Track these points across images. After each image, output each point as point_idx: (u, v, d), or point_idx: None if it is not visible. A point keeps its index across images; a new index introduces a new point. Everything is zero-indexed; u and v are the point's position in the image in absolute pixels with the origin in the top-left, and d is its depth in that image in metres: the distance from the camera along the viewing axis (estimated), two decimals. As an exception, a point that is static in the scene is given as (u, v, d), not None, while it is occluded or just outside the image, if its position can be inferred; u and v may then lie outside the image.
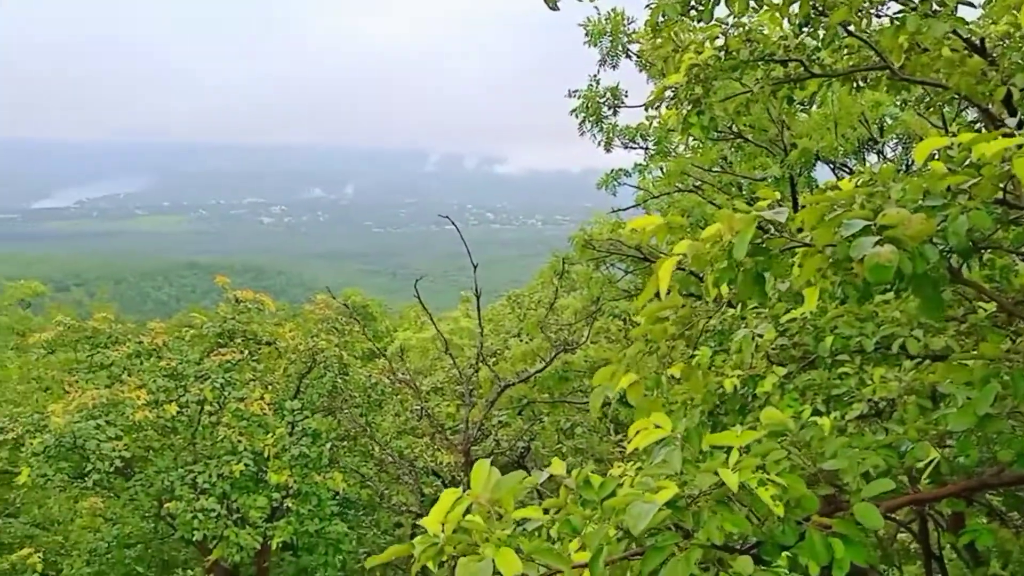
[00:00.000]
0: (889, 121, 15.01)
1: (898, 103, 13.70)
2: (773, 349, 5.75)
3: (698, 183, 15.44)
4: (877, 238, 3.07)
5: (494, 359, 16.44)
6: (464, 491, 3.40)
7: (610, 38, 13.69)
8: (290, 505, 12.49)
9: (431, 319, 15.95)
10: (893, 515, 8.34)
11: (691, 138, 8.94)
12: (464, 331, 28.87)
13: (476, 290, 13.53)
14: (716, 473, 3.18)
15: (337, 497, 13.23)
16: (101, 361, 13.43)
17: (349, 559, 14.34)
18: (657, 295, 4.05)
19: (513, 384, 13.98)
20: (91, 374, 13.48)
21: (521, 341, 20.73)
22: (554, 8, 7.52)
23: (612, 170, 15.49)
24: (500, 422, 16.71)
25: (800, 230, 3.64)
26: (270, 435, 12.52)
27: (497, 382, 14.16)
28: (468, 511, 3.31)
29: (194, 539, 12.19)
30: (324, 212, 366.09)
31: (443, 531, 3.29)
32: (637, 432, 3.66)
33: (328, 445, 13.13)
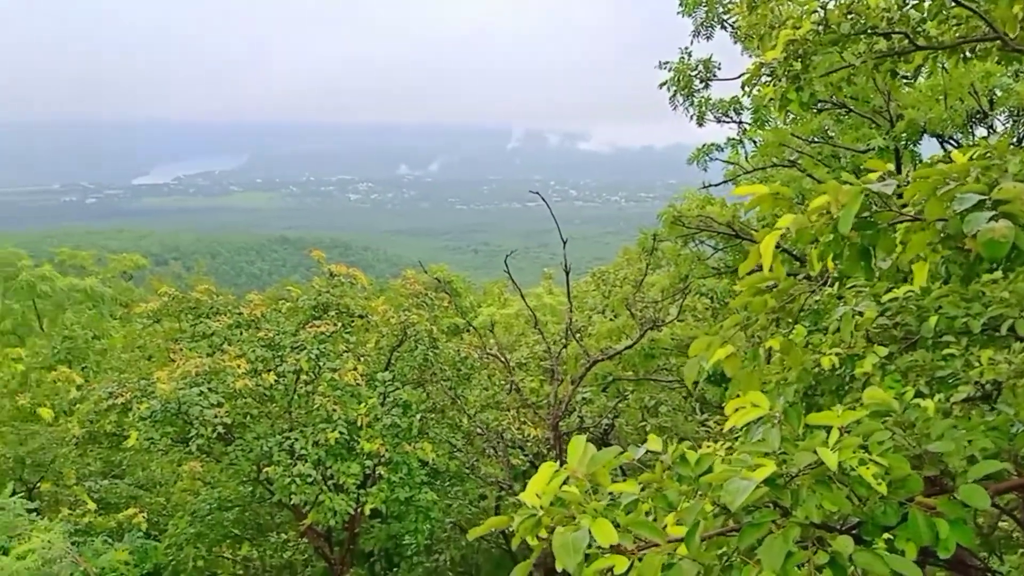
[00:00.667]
0: (999, 93, 14.24)
1: (1010, 74, 12.98)
2: (874, 328, 5.60)
3: (794, 156, 14.98)
4: (992, 213, 2.97)
5: (578, 335, 16.45)
6: (560, 465, 3.46)
7: (705, 8, 13.38)
8: (382, 473, 12.81)
9: (521, 295, 16.04)
10: (995, 501, 8.03)
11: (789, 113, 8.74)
12: (546, 307, 28.99)
13: (565, 266, 13.52)
14: (815, 452, 3.14)
15: (426, 467, 13.51)
16: (203, 331, 14.00)
17: (436, 527, 14.67)
18: (757, 268, 4.02)
19: (601, 360, 13.95)
20: (194, 343, 14.07)
21: (606, 318, 20.66)
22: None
23: (704, 145, 15.15)
24: (584, 399, 16.75)
25: (905, 205, 3.54)
26: (363, 405, 12.85)
27: (585, 358, 14.16)
28: (564, 484, 3.37)
29: (291, 503, 12.63)
30: (409, 189, 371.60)
31: (540, 503, 3.36)
32: (735, 410, 3.65)
33: (418, 416, 13.40)
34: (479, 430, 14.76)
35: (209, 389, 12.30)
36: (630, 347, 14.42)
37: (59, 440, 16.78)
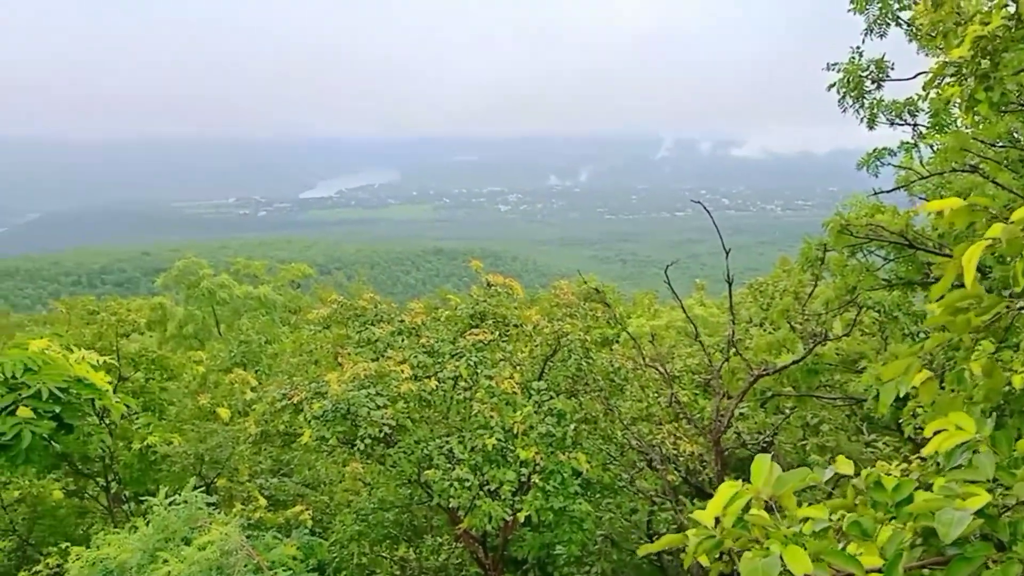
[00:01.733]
0: None
1: None
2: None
3: (975, 161, 13.89)
4: None
5: (734, 348, 15.94)
6: (743, 485, 3.33)
7: (879, 4, 12.64)
8: (536, 481, 12.87)
9: (681, 306, 15.79)
10: None
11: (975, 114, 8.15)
12: (698, 319, 28.34)
13: (727, 276, 13.13)
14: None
15: (579, 477, 13.47)
16: (368, 337, 14.58)
17: (587, 539, 14.56)
18: (955, 285, 3.72)
19: (765, 375, 13.46)
20: (359, 348, 14.66)
21: (764, 331, 19.89)
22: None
23: (875, 149, 14.25)
24: (740, 414, 16.21)
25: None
26: (518, 413, 12.96)
27: (747, 372, 13.68)
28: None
29: (449, 506, 12.89)
30: (558, 199, 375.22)
31: (719, 524, 3.24)
32: (934, 432, 3.40)
33: (572, 426, 13.37)
34: (633, 442, 14.54)
35: (377, 392, 12.79)
36: (797, 362, 13.80)
37: (234, 438, 17.69)
